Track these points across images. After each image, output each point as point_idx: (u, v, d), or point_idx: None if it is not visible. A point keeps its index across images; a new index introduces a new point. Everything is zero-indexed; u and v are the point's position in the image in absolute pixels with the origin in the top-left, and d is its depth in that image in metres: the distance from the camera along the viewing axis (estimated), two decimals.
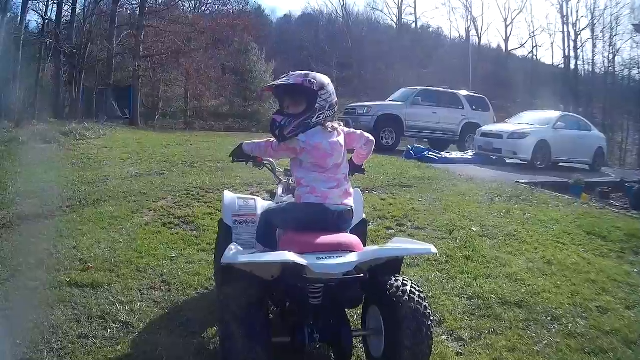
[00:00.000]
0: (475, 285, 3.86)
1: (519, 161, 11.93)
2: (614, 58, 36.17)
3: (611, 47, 36.15)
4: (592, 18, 37.39)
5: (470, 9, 48.95)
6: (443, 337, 3.10)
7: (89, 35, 21.16)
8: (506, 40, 44.15)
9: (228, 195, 3.37)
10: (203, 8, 29.80)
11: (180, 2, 25.70)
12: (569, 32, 38.90)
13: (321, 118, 2.52)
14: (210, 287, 3.68)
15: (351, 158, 2.92)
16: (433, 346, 2.38)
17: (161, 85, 26.44)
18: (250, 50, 28.08)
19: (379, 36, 43.01)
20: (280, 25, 48.43)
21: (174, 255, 4.29)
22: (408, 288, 2.30)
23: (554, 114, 13.23)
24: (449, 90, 15.36)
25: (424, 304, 2.29)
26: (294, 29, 46.58)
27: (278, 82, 2.58)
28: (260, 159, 3.07)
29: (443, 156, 12.04)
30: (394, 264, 2.55)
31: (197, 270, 3.94)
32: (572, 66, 38.88)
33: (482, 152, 12.28)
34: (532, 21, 67.61)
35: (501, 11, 65.90)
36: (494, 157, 12.20)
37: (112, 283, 3.64)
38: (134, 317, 3.13)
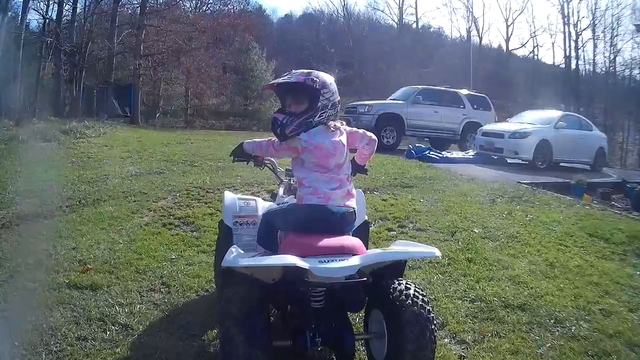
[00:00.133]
0: (477, 287, 3.83)
1: (520, 161, 11.92)
2: (615, 58, 36.20)
3: (612, 48, 36.18)
4: (593, 18, 37.40)
5: (471, 9, 49.00)
6: (446, 340, 3.06)
7: (89, 34, 21.18)
8: (507, 40, 44.18)
9: (228, 195, 3.34)
10: (204, 8, 29.91)
11: (181, 1, 25.74)
12: (570, 33, 38.93)
13: (323, 117, 2.49)
14: (211, 289, 3.65)
15: (353, 158, 2.88)
16: (436, 350, 2.35)
17: (162, 84, 26.45)
18: (251, 50, 28.13)
19: (380, 36, 42.95)
20: (281, 25, 48.43)
21: (173, 257, 4.26)
22: (411, 292, 2.27)
23: (556, 114, 13.22)
24: (450, 90, 15.33)
25: (427, 307, 2.26)
26: (294, 28, 46.57)
27: (280, 80, 2.55)
28: (261, 159, 3.03)
29: (444, 155, 12.04)
30: (396, 267, 2.52)
31: (197, 272, 3.91)
32: (573, 66, 38.94)
33: (484, 151, 12.26)
34: (533, 21, 67.62)
35: (502, 11, 65.80)
36: (495, 157, 12.18)
37: (112, 285, 3.61)
38: (134, 320, 3.10)
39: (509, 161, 12.15)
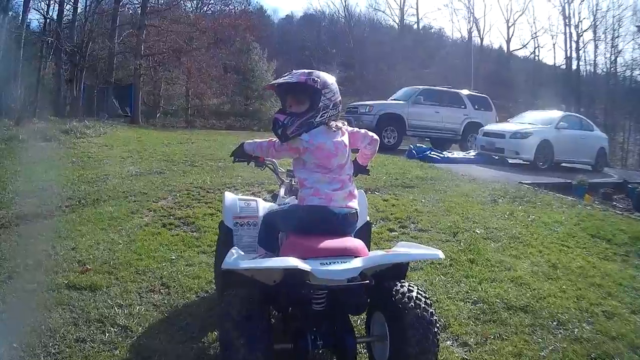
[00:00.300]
0: (480, 289, 3.80)
1: (521, 161, 11.90)
2: (615, 59, 36.17)
3: (613, 49, 36.15)
4: (594, 19, 37.43)
5: (472, 10, 48.99)
6: (448, 342, 3.04)
7: (90, 34, 21.16)
8: (508, 41, 44.19)
9: (229, 196, 3.32)
10: (205, 8, 29.90)
11: (182, 1, 25.70)
12: (571, 34, 38.96)
13: (325, 117, 2.46)
14: (211, 290, 3.62)
15: (355, 158, 2.86)
16: (439, 353, 2.32)
17: (162, 84, 26.47)
18: (251, 50, 28.17)
19: (381, 37, 42.99)
20: (282, 25, 48.52)
21: (173, 258, 4.24)
22: (414, 294, 2.24)
23: (557, 114, 13.20)
24: (451, 90, 15.32)
25: (430, 310, 2.23)
26: (295, 29, 46.64)
27: (281, 80, 2.52)
28: (262, 159, 3.01)
29: (445, 156, 12.01)
30: (399, 269, 2.49)
31: (197, 273, 3.88)
32: (574, 67, 38.97)
33: (485, 151, 12.24)
34: (534, 22, 67.56)
35: (503, 12, 65.74)
36: (496, 157, 12.16)
37: (111, 286, 3.58)
38: (133, 321, 3.08)
39: (510, 161, 12.12)
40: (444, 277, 4.05)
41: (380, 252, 2.34)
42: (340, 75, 29.26)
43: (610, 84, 36.02)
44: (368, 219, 3.21)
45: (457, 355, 2.91)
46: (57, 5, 20.87)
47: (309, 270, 2.05)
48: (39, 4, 21.18)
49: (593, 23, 37.36)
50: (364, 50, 39.72)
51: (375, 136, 2.76)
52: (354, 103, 15.10)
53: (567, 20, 38.88)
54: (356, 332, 2.39)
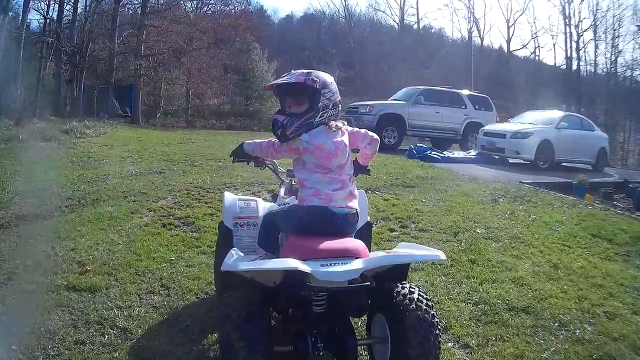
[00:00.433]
0: (481, 290, 3.79)
1: (521, 161, 11.90)
2: (616, 59, 36.12)
3: (613, 49, 36.09)
4: (594, 19, 37.35)
5: (472, 10, 48.97)
6: (449, 344, 3.02)
7: (90, 34, 21.15)
8: (508, 41, 44.15)
9: (229, 196, 3.30)
10: (205, 8, 29.87)
11: (182, 1, 25.68)
12: (571, 33, 38.92)
13: (325, 117, 2.45)
14: (211, 291, 3.60)
15: (356, 158, 2.84)
16: (440, 355, 2.30)
17: (162, 84, 26.44)
18: (252, 50, 28.18)
19: (381, 37, 42.97)
20: (282, 25, 48.52)
21: (173, 258, 4.22)
22: (415, 296, 2.22)
23: (557, 114, 13.22)
24: (452, 90, 15.32)
25: (432, 312, 2.21)
26: (295, 29, 46.63)
27: (280, 80, 2.50)
28: (261, 159, 2.99)
29: (445, 155, 12.00)
30: (400, 270, 2.47)
31: (197, 274, 3.86)
32: (574, 67, 38.91)
33: (485, 151, 12.24)
34: (534, 22, 67.53)
35: (503, 12, 65.80)
36: (497, 157, 12.16)
37: (110, 287, 3.57)
38: (132, 323, 3.06)
39: (510, 161, 12.12)
40: (445, 277, 4.03)
41: (381, 253, 2.32)
42: (341, 76, 29.34)
43: (610, 84, 35.98)
44: (369, 219, 3.20)
45: (458, 357, 2.89)
46: (57, 5, 20.89)
47: (309, 272, 2.04)
48: (39, 4, 21.18)
49: (593, 23, 37.36)
50: (364, 50, 39.71)
51: (376, 136, 2.74)
52: (355, 103, 15.11)
53: (567, 20, 38.90)
54: (357, 334, 2.37)
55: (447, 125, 14.48)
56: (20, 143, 10.42)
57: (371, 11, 49.27)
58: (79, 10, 21.68)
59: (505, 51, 44.61)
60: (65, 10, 21.18)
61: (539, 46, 46.99)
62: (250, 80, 28.35)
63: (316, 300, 2.28)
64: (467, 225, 5.50)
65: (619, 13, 35.47)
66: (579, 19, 39.39)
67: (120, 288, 3.56)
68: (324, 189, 2.43)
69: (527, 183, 8.64)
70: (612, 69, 36.45)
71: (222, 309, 2.16)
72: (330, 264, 2.12)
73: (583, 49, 38.77)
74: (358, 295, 2.21)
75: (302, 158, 2.47)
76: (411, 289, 2.27)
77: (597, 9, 37.34)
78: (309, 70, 2.47)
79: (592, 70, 38.70)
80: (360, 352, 2.66)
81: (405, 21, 45.98)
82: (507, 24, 43.52)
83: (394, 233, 5.21)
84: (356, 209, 2.52)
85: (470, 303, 3.58)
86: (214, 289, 3.55)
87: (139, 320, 3.12)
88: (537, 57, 44.36)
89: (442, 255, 2.27)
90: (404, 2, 45.19)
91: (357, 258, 2.20)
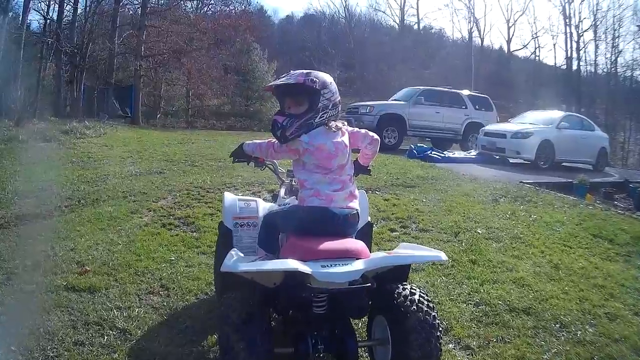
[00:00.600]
0: (482, 290, 3.77)
1: (522, 161, 11.89)
2: (616, 59, 36.09)
3: (614, 49, 36.06)
4: (594, 19, 37.34)
5: (472, 10, 49.00)
6: (450, 345, 3.01)
7: (90, 34, 21.16)
8: (508, 41, 44.14)
9: (229, 196, 3.29)
10: (205, 8, 29.82)
11: (182, 2, 25.63)
12: (571, 34, 38.91)
13: (324, 118, 2.43)
14: (210, 292, 3.59)
15: (356, 159, 2.82)
16: (441, 357, 2.29)
17: (163, 85, 26.44)
18: (252, 51, 28.17)
19: (382, 37, 42.95)
20: (282, 26, 48.52)
21: (173, 258, 4.21)
22: (416, 297, 2.21)
23: (558, 114, 13.22)
24: (452, 90, 15.31)
25: (433, 313, 2.20)
26: (296, 29, 46.63)
27: (279, 81, 2.49)
28: (261, 160, 2.98)
29: (446, 155, 11.99)
30: (401, 271, 2.46)
31: (196, 275, 3.85)
32: (575, 67, 38.89)
33: (486, 151, 12.23)
34: (534, 22, 67.70)
35: (503, 12, 65.96)
36: (497, 157, 12.16)
37: (110, 287, 3.55)
38: (132, 324, 3.04)
39: (511, 161, 12.11)
40: (446, 278, 4.02)
41: (382, 254, 2.31)
42: (341, 76, 29.34)
43: (610, 84, 35.95)
44: (369, 219, 3.18)
45: (459, 358, 2.88)
46: (57, 5, 20.89)
47: (309, 272, 2.02)
48: (39, 5, 21.20)
49: (593, 23, 37.35)
50: (364, 50, 39.70)
51: (376, 136, 2.72)
52: (355, 103, 15.12)
53: (567, 20, 38.89)
54: (357, 336, 2.35)
55: (448, 126, 14.48)
56: (20, 143, 10.43)
57: (371, 11, 49.49)
58: (79, 11, 21.75)
59: (506, 51, 44.64)
60: (65, 10, 21.25)
61: (539, 46, 47.15)
62: (250, 81, 28.34)
63: (316, 302, 2.26)
64: (467, 226, 5.48)
65: (619, 13, 35.51)
66: (579, 19, 39.51)
67: (119, 288, 3.55)
68: (324, 189, 2.41)
69: (527, 183, 8.63)
70: (613, 69, 36.48)
71: (222, 310, 2.15)
72: (331, 265, 2.10)
73: (583, 49, 38.83)
74: (359, 296, 2.20)
75: (302, 159, 2.46)
76: (412, 290, 2.26)
77: (597, 9, 37.39)
78: (308, 71, 2.46)
79: (593, 70, 38.74)
80: (361, 353, 2.64)
81: (405, 21, 46.07)
82: (508, 24, 43.59)
83: (394, 233, 5.20)
84: (357, 210, 2.51)
85: (471, 304, 3.57)
86: (214, 289, 3.53)
87: (138, 321, 3.10)
88: (537, 58, 44.44)
89: (443, 256, 2.25)
90: (404, 2, 45.30)
91: (357, 259, 2.19)
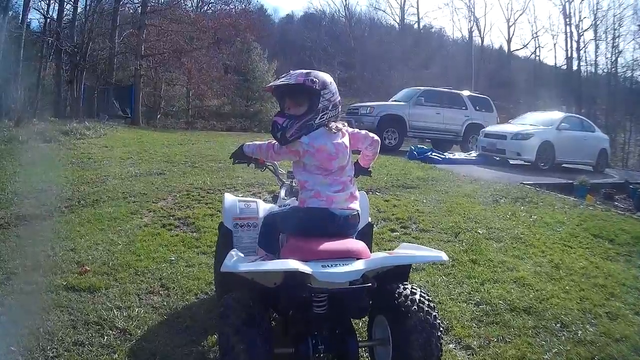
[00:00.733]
0: (482, 290, 3.77)
1: (522, 162, 11.89)
2: (616, 59, 36.07)
3: (614, 49, 36.04)
4: (594, 19, 37.30)
5: (472, 10, 49.04)
6: (451, 345, 3.00)
7: (90, 33, 21.13)
8: (509, 41, 44.12)
9: (229, 197, 3.29)
10: (205, 7, 29.85)
11: (182, 1, 25.66)
12: (571, 33, 38.90)
13: (324, 119, 2.42)
14: (211, 292, 3.58)
15: (357, 160, 2.82)
16: (442, 357, 2.28)
17: (163, 85, 26.41)
18: (252, 50, 28.15)
19: (382, 36, 42.94)
20: (282, 25, 48.53)
21: (173, 258, 4.20)
22: (417, 297, 2.20)
23: (558, 115, 13.20)
24: (452, 91, 15.31)
25: (434, 313, 2.19)
26: (296, 29, 46.61)
27: (278, 82, 2.47)
28: (262, 161, 2.98)
29: (446, 157, 11.98)
30: (401, 271, 2.45)
31: (197, 274, 3.85)
32: (575, 67, 38.87)
33: (486, 152, 12.22)
34: (534, 22, 67.49)
35: (504, 12, 65.94)
36: (498, 158, 12.15)
37: (110, 287, 3.55)
38: (132, 324, 3.04)
39: (511, 162, 12.10)
40: (446, 278, 4.02)
41: (382, 254, 2.30)
42: (341, 76, 29.34)
43: (611, 84, 35.92)
44: (370, 220, 3.18)
45: (460, 358, 2.88)
46: (57, 4, 20.90)
47: (310, 272, 2.02)
48: (39, 4, 21.25)
49: (594, 22, 37.32)
50: (364, 50, 39.72)
51: (376, 137, 2.71)
52: (355, 104, 15.10)
53: (567, 20, 38.89)
54: (358, 336, 2.35)
55: (448, 127, 14.47)
56: (20, 144, 10.41)
57: (371, 10, 49.37)
58: (79, 10, 21.76)
59: (506, 51, 44.64)
60: (65, 9, 21.27)
61: (539, 46, 47.14)
62: (250, 81, 28.32)
63: (317, 302, 2.25)
64: (468, 226, 5.48)
65: (620, 13, 35.45)
66: (580, 18, 39.46)
67: (119, 288, 3.55)
68: (324, 191, 2.41)
69: (528, 184, 8.63)
70: (613, 69, 36.45)
71: (222, 310, 2.14)
72: (331, 265, 2.10)
73: (583, 49, 38.82)
74: (359, 296, 2.19)
75: (302, 160, 2.45)
76: (413, 290, 2.25)
77: (597, 9, 37.36)
78: (308, 71, 2.45)
79: (593, 70, 38.72)
80: (362, 353, 2.64)
81: (405, 21, 46.04)
82: (508, 24, 43.56)
83: (395, 233, 5.20)
84: (357, 210, 2.50)
85: (471, 303, 3.57)
86: (214, 289, 3.53)
87: (138, 321, 3.10)
88: (537, 57, 44.41)
89: (444, 256, 2.25)
90: (405, 1, 45.30)
91: (358, 259, 2.19)
